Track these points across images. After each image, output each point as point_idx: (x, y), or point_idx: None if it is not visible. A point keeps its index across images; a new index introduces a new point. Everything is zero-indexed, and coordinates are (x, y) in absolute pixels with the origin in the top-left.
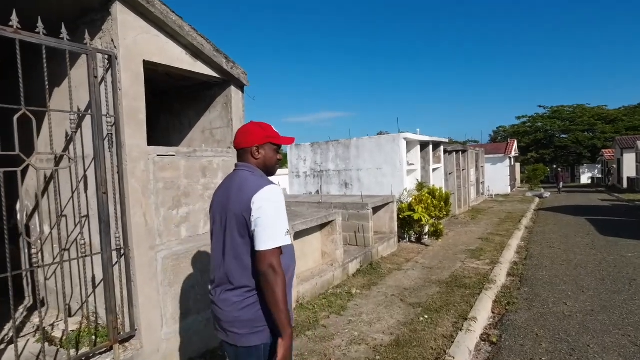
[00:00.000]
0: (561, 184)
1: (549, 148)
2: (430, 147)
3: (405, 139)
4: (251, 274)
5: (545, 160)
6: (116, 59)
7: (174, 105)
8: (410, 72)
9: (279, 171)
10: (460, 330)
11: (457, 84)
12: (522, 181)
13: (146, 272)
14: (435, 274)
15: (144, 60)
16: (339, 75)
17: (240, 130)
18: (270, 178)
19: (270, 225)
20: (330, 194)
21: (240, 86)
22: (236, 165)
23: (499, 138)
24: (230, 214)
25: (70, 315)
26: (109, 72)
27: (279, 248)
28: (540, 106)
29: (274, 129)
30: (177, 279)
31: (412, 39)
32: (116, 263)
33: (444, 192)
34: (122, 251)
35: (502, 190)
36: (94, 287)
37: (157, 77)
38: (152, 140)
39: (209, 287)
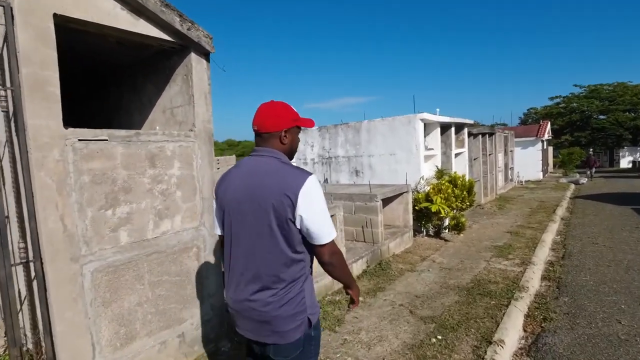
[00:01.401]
0: (593, 170)
1: (585, 130)
2: (452, 129)
3: (422, 120)
4: (289, 268)
5: (581, 143)
6: (11, 10)
7: (137, 80)
8: (437, 54)
9: None
10: (483, 359)
11: (485, 66)
12: (554, 166)
13: (67, 290)
14: (454, 277)
15: (55, 15)
16: (363, 59)
17: (266, 112)
18: None
19: (325, 219)
20: (339, 183)
21: (204, 53)
22: (257, 150)
23: (530, 120)
24: (264, 206)
25: None
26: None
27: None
28: (575, 85)
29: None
30: (115, 296)
31: (436, 19)
32: (32, 279)
33: (466, 179)
34: (31, 266)
35: (533, 176)
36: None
37: (111, 46)
38: (114, 124)
39: (230, 288)
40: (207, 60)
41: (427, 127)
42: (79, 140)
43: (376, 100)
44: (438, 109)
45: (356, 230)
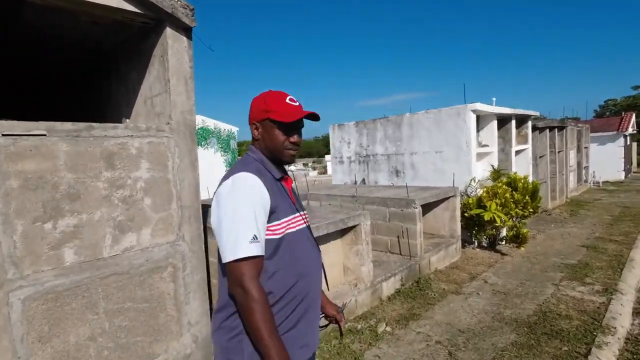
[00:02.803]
0: None
1: None
2: (513, 122)
3: (474, 111)
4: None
5: None
6: None
7: (121, 67)
8: (497, 43)
9: (328, 157)
10: None
11: (554, 56)
12: (637, 164)
13: None
14: (512, 306)
15: None
16: (416, 52)
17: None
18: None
19: (228, 229)
20: (378, 184)
21: (183, 29)
22: None
23: (608, 113)
24: None
25: None
26: None
27: (250, 260)
28: None
29: (287, 102)
30: (57, 329)
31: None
32: None
33: (529, 181)
34: None
35: (613, 177)
36: None
37: (87, 29)
38: (106, 118)
39: None
40: (188, 37)
41: (481, 120)
42: (4, 135)
43: (430, 96)
44: (494, 99)
45: (390, 240)
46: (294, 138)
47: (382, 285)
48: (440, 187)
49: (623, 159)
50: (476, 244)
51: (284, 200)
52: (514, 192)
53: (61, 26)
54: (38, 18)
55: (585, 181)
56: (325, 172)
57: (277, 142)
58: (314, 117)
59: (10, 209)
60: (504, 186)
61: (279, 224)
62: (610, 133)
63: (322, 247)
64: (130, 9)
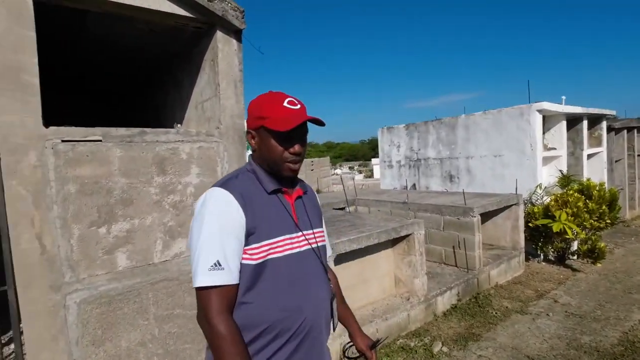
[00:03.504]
0: None
1: None
2: (585, 122)
3: (540, 111)
4: None
5: None
6: None
7: (177, 73)
8: (562, 36)
9: (374, 160)
10: None
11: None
12: None
13: (44, 325)
14: (591, 332)
15: None
16: (470, 52)
17: None
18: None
19: (192, 252)
20: (429, 190)
21: (233, 31)
22: None
23: None
24: None
25: None
26: None
27: (214, 290)
28: None
29: (284, 105)
30: (110, 333)
31: None
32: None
33: (606, 189)
34: (3, 295)
35: None
36: None
37: (144, 36)
38: (154, 125)
39: None
40: (238, 40)
41: (547, 120)
42: (63, 141)
43: (484, 95)
44: (564, 97)
45: (445, 250)
46: (295, 148)
47: (436, 300)
48: (501, 194)
49: None
50: (542, 257)
51: (274, 218)
52: (587, 201)
53: (121, 34)
54: (99, 27)
55: None
56: (371, 176)
57: (274, 154)
58: (318, 122)
59: (68, 213)
60: (575, 194)
61: (257, 247)
62: None
63: (371, 256)
64: (183, 14)
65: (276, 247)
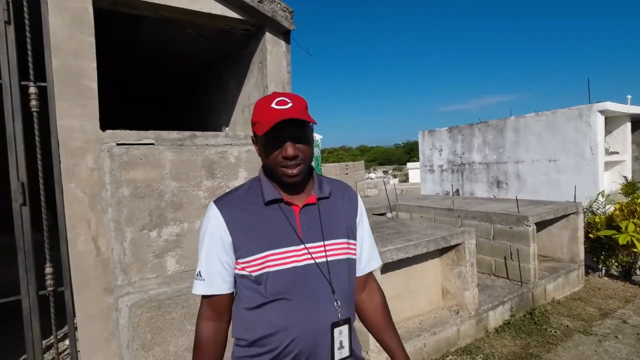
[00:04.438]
0: None
1: None
2: None
3: (602, 112)
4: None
5: None
6: None
7: (223, 76)
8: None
9: (410, 164)
10: None
11: None
12: None
13: (98, 327)
14: None
15: None
16: (509, 48)
17: None
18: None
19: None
20: (475, 196)
21: (282, 32)
22: None
23: None
24: None
25: None
26: (28, 12)
27: (204, 298)
28: None
29: (271, 107)
30: (159, 337)
31: None
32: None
33: None
34: (61, 295)
35: None
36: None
37: (193, 41)
38: (207, 128)
39: None
40: (287, 41)
41: (608, 122)
42: (118, 144)
43: (525, 98)
44: (629, 97)
45: (495, 261)
46: (286, 151)
47: (488, 315)
48: (557, 201)
49: None
50: (604, 272)
51: (269, 231)
52: None
53: (171, 41)
54: (151, 32)
55: None
56: (406, 180)
57: (267, 160)
58: (301, 121)
59: (122, 216)
60: None
61: (250, 261)
62: None
63: (417, 266)
64: (232, 16)
65: (269, 261)
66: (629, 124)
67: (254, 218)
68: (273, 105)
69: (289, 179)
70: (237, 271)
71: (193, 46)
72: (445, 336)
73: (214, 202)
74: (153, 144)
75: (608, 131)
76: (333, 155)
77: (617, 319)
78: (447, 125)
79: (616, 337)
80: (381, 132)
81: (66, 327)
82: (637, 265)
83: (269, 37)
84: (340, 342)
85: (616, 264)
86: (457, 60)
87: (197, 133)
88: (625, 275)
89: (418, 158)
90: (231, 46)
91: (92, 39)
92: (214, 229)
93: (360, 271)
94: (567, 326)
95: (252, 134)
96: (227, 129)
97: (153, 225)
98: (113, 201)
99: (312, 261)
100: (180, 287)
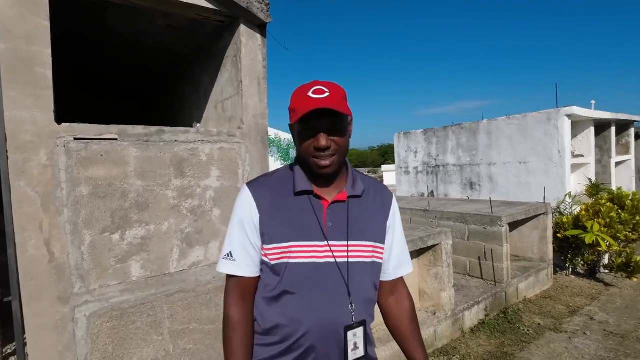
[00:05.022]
0: None
1: None
2: (613, 129)
3: (569, 116)
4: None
5: None
6: None
7: (195, 71)
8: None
9: (385, 167)
10: None
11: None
12: None
13: (51, 340)
14: (635, 354)
15: None
16: (484, 55)
17: None
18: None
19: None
20: (449, 197)
21: (257, 25)
22: None
23: None
24: None
25: None
26: None
27: (230, 278)
28: None
29: (308, 95)
30: (122, 350)
31: None
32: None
33: (638, 198)
34: (9, 306)
35: None
36: None
37: (163, 32)
38: (178, 124)
39: None
40: (263, 34)
41: (574, 126)
42: (76, 139)
43: (500, 103)
44: (593, 102)
45: (470, 262)
46: (318, 142)
47: (464, 315)
48: (528, 202)
49: None
50: (570, 270)
51: (295, 222)
52: (620, 211)
53: (140, 32)
54: (119, 22)
55: None
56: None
57: (301, 149)
58: (335, 111)
59: (80, 218)
60: (608, 203)
61: (271, 249)
62: None
63: None
64: (204, 5)
65: (291, 253)
66: (592, 128)
67: (283, 205)
68: (309, 93)
69: (321, 170)
70: (262, 257)
71: (164, 39)
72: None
73: (247, 184)
74: (116, 139)
75: (573, 135)
76: None
77: (584, 315)
78: (421, 128)
79: (584, 333)
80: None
81: (15, 342)
82: (601, 264)
83: (244, 30)
84: (355, 344)
85: (582, 262)
86: (434, 64)
87: (166, 128)
88: (590, 273)
89: (393, 161)
90: (204, 39)
91: (47, 23)
92: (246, 210)
93: (388, 276)
94: (539, 324)
95: (288, 122)
96: (198, 124)
97: (115, 227)
98: (69, 201)
99: (332, 260)
100: (146, 294)
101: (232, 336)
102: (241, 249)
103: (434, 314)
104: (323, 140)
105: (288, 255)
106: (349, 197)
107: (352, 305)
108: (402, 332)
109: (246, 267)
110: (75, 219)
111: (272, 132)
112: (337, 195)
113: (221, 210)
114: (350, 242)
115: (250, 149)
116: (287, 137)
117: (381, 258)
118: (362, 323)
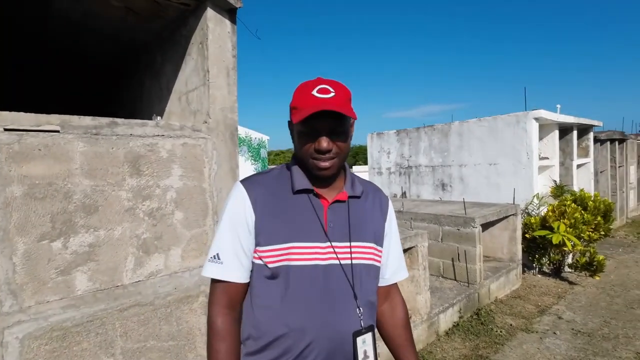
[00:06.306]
0: None
1: None
2: (574, 133)
3: (537, 119)
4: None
5: None
6: None
7: (156, 61)
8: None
9: (356, 168)
10: None
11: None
12: None
13: None
14: (603, 352)
15: None
16: (450, 61)
17: None
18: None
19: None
20: (421, 198)
21: (226, 10)
22: None
23: None
24: None
25: None
26: None
27: (215, 282)
28: None
29: (312, 94)
30: None
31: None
32: None
33: (601, 200)
34: None
35: None
36: None
37: (123, 18)
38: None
39: None
40: (232, 20)
41: (542, 128)
42: (7, 130)
43: (465, 107)
44: (559, 106)
45: (443, 263)
46: (319, 144)
47: (439, 318)
48: (499, 203)
49: None
50: (537, 269)
51: (296, 222)
52: (583, 212)
53: (93, 15)
54: (68, 4)
55: None
56: None
57: (301, 150)
58: (341, 114)
59: (11, 223)
60: (572, 204)
61: (270, 250)
62: None
63: None
64: None
65: (293, 254)
66: (557, 132)
67: (281, 205)
68: (314, 92)
69: (320, 171)
70: (254, 260)
71: (119, 23)
72: None
73: (241, 181)
74: (58, 131)
75: (540, 137)
76: (280, 157)
77: (553, 315)
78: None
79: (554, 333)
80: None
81: None
82: (566, 263)
83: (212, 15)
84: (365, 352)
85: (548, 262)
86: (402, 67)
87: (119, 120)
88: (556, 272)
89: (364, 162)
90: (166, 24)
91: None
92: (238, 209)
93: (385, 281)
94: (511, 325)
95: (288, 119)
96: (159, 118)
97: (57, 233)
98: None
99: (336, 261)
100: (94, 310)
101: (220, 347)
102: (230, 252)
103: (410, 318)
104: (324, 143)
105: (288, 257)
106: (349, 197)
107: (359, 309)
108: (396, 339)
109: (235, 271)
110: (6, 224)
111: (243, 131)
112: (337, 194)
113: (184, 213)
114: (353, 243)
115: (218, 145)
116: (257, 136)
117: (379, 261)
118: (371, 328)
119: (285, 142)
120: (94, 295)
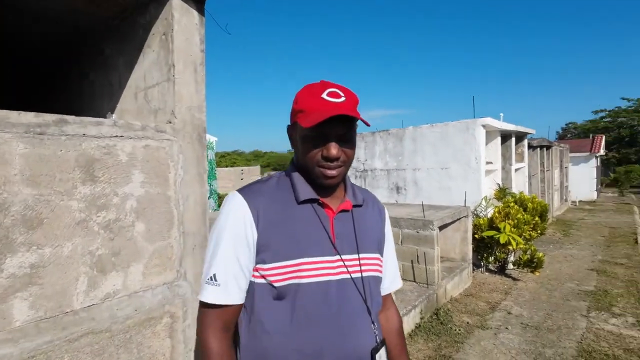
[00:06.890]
0: None
1: (634, 146)
2: (513, 139)
3: (484, 126)
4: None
5: (631, 160)
6: None
7: (104, 52)
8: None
9: None
10: None
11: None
12: (601, 184)
13: None
14: (550, 344)
15: None
16: (396, 68)
17: None
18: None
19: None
20: None
21: (194, 0)
22: None
23: (569, 135)
24: None
25: None
26: None
27: (217, 308)
28: (623, 99)
29: (322, 97)
30: None
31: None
32: None
33: (539, 201)
34: None
35: (586, 196)
36: None
37: (72, 5)
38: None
39: None
40: (200, 11)
41: (487, 135)
42: None
43: (414, 113)
44: (502, 114)
45: (404, 265)
46: (328, 151)
47: (403, 320)
48: (452, 206)
49: (596, 180)
50: (484, 268)
51: (302, 235)
52: (524, 213)
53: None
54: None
55: (566, 200)
56: None
57: (305, 156)
58: (354, 119)
59: None
60: (515, 206)
61: (275, 268)
62: (583, 154)
63: None
64: None
65: (302, 271)
66: (499, 138)
67: (287, 217)
68: (324, 95)
69: (326, 180)
70: (253, 279)
71: (65, 9)
72: None
73: (239, 191)
74: None
75: (486, 143)
76: (226, 159)
77: (503, 310)
78: None
79: (507, 328)
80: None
81: None
82: (510, 260)
83: (177, 3)
84: None
85: (494, 260)
86: (348, 71)
87: (69, 118)
88: (501, 269)
89: None
90: (119, 11)
91: None
92: (238, 223)
93: (383, 291)
94: (468, 322)
95: (291, 122)
96: (114, 116)
97: None
98: None
99: (347, 275)
100: (37, 344)
101: None
102: (228, 271)
103: None
104: (334, 150)
105: (298, 274)
106: (353, 206)
107: (373, 324)
108: (391, 349)
109: (234, 294)
110: None
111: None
112: (340, 204)
113: (146, 224)
114: (361, 255)
115: (185, 148)
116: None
117: (382, 271)
118: (384, 342)
119: (231, 144)
120: (37, 325)
